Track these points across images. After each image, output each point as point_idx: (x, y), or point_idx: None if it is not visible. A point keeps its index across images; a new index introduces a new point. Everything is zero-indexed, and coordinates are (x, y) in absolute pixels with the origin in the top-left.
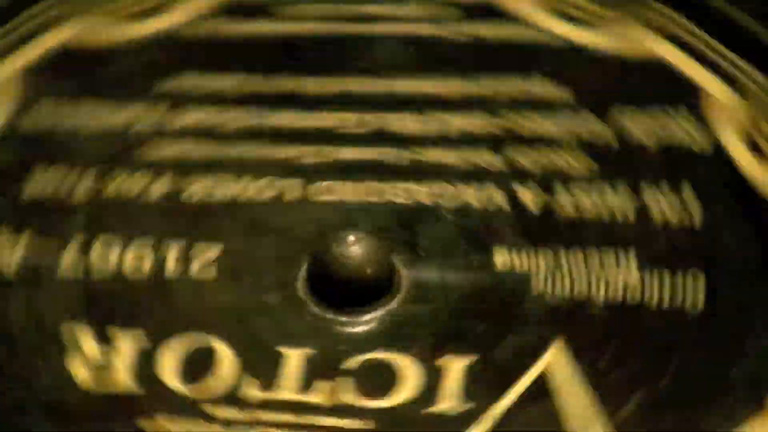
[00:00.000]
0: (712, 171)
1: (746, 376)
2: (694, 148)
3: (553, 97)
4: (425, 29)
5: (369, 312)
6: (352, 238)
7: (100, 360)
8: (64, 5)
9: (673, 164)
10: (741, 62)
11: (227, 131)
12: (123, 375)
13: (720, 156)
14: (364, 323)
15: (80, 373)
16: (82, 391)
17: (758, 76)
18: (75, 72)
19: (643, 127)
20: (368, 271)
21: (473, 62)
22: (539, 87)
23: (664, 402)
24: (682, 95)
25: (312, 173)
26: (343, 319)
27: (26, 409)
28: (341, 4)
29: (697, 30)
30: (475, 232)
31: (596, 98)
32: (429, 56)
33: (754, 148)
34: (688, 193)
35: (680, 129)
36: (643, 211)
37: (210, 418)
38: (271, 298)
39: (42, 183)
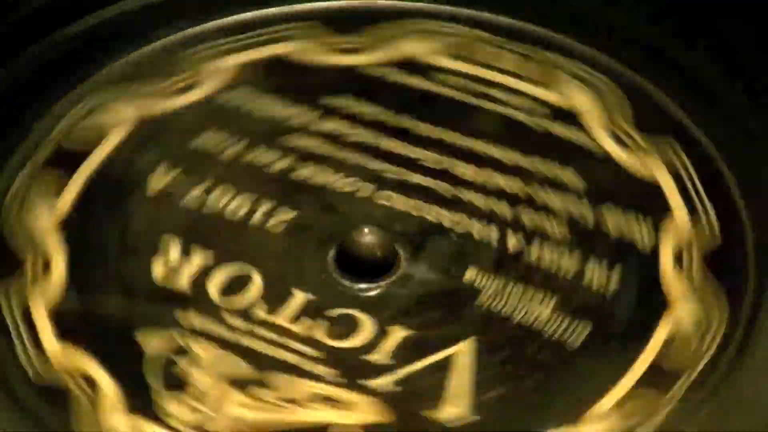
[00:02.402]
0: (641, 265)
1: (576, 398)
2: (638, 245)
3: (571, 184)
4: (519, 116)
5: (366, 283)
6: (366, 230)
7: (176, 265)
8: (297, 30)
9: (619, 252)
10: (707, 200)
11: (347, 141)
12: (184, 278)
13: (653, 257)
14: (358, 290)
15: (157, 270)
16: (152, 283)
17: (712, 212)
18: (276, 75)
19: (615, 221)
20: (378, 255)
21: (535, 146)
22: (566, 176)
23: (516, 399)
24: (656, 210)
25: (385, 184)
26: (346, 283)
27: (108, 285)
28: (476, 83)
29: (692, 170)
30: (465, 253)
31: (599, 195)
32: (510, 133)
33: (678, 260)
34: (616, 273)
35: (638, 230)
36: (578, 274)
37: (222, 322)
38: (309, 256)
39: (207, 140)
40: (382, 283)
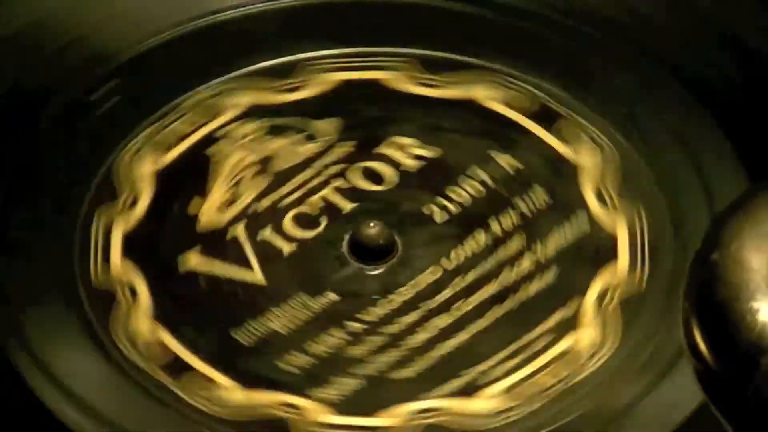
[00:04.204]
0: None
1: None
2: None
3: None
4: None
5: (365, 264)
6: (371, 224)
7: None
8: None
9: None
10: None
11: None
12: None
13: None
14: (359, 269)
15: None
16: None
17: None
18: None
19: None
20: (380, 242)
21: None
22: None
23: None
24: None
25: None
26: (351, 262)
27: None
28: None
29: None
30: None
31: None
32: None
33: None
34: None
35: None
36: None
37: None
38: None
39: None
40: (379, 265)
